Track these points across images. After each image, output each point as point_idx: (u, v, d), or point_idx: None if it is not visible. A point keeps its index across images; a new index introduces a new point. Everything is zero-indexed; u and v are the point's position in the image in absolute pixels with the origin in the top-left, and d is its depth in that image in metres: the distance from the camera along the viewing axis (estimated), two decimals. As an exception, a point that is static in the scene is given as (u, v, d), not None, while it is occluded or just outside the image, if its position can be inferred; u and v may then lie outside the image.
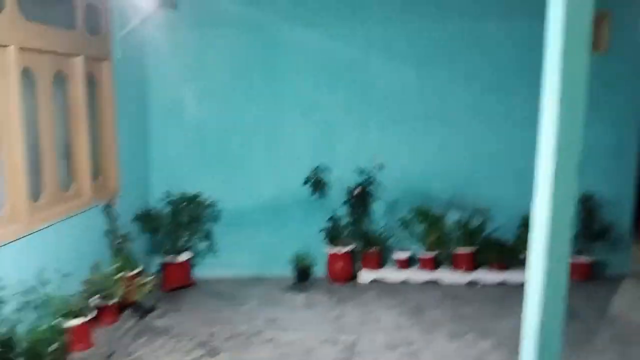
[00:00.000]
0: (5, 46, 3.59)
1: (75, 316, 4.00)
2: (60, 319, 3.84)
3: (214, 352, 4.24)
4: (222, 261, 6.02)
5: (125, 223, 5.18)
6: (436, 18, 5.69)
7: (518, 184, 5.30)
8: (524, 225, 5.33)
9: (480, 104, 5.79)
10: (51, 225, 4.06)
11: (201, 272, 5.97)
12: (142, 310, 4.91)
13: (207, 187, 5.85)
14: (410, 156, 5.89)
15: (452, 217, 5.83)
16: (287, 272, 5.88)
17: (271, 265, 6.00)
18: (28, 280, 3.68)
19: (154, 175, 5.96)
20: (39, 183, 4.11)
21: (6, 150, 3.65)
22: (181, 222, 5.67)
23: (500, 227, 5.79)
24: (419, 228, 5.83)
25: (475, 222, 5.80)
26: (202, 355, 4.17)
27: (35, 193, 4.04)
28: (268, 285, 5.77)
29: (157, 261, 5.74)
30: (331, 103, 5.87)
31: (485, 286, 5.63)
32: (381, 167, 5.74)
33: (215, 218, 5.98)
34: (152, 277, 5.25)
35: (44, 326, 3.51)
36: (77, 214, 4.45)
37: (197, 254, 5.98)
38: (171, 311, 5.09)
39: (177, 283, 5.65)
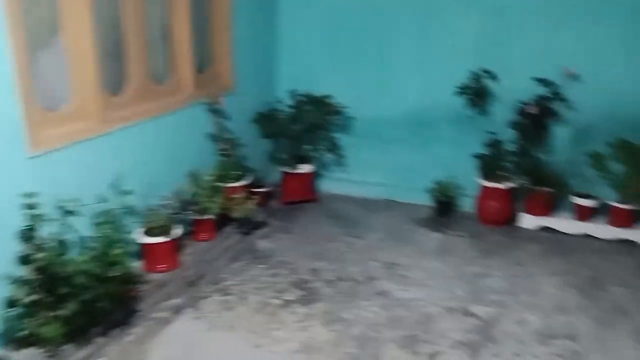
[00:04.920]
0: None
1: (158, 233, 3.47)
2: (130, 235, 3.33)
3: (309, 298, 3.44)
4: (351, 177, 5.11)
5: (239, 126, 4.44)
6: None
7: None
8: None
9: None
10: (137, 125, 3.44)
11: (327, 186, 5.15)
12: (248, 227, 4.28)
13: (339, 90, 4.79)
14: (619, 67, 4.12)
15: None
16: (425, 200, 4.78)
17: (407, 189, 4.92)
18: (102, 189, 3.15)
19: (280, 71, 5.06)
20: (122, 73, 3.45)
21: (70, 29, 2.96)
22: (305, 127, 4.78)
23: None
24: (618, 169, 4.17)
25: None
26: (293, 301, 3.41)
27: (116, 85, 3.41)
28: (399, 214, 4.75)
29: (276, 171, 5.02)
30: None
31: None
32: (574, 77, 4.12)
33: (344, 127, 4.98)
34: (261, 190, 4.59)
35: (109, 243, 2.98)
36: (173, 112, 3.78)
37: (322, 167, 5.14)
38: (280, 231, 4.39)
39: (297, 196, 4.90)
